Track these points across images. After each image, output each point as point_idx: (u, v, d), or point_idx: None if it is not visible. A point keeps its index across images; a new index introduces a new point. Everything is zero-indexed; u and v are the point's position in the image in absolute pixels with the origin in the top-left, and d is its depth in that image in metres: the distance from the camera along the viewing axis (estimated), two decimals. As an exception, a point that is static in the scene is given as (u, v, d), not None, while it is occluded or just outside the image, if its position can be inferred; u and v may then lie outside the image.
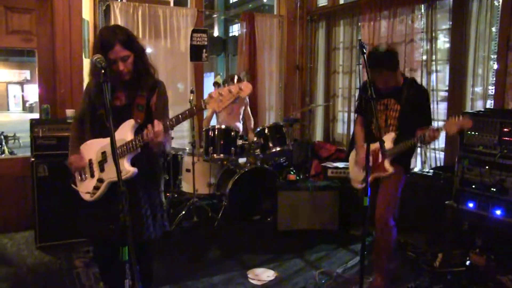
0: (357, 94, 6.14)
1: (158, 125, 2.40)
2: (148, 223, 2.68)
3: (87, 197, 2.67)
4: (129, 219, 1.97)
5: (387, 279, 3.58)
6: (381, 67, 3.34)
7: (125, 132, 2.53)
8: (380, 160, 3.45)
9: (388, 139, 3.42)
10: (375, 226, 3.54)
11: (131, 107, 2.60)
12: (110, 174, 2.57)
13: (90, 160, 2.68)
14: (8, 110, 27.06)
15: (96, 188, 2.63)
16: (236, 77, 5.61)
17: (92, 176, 2.66)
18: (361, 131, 3.71)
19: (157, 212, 2.76)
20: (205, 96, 2.36)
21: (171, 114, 2.66)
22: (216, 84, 6.81)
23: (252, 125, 6.08)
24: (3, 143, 11.24)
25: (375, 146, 3.33)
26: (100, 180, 2.62)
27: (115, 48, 2.46)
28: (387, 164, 3.41)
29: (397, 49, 3.72)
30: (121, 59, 2.49)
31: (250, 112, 6.14)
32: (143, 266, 2.41)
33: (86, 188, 2.69)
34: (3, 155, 10.44)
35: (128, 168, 2.50)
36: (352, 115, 6.24)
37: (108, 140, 2.53)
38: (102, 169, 2.62)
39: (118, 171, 2.06)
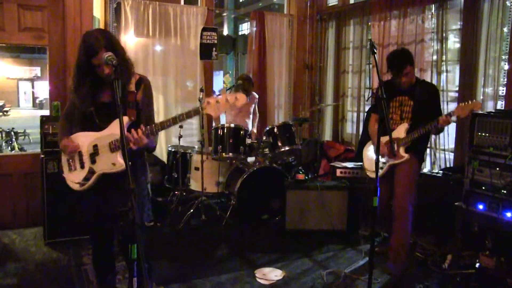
0: (366, 94, 6.14)
1: (135, 133, 2.53)
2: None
3: (75, 186, 2.76)
4: (137, 215, 2.05)
5: (401, 270, 3.65)
6: (406, 62, 3.65)
7: (118, 128, 2.57)
8: (395, 149, 3.69)
9: (402, 130, 3.73)
10: (393, 214, 3.68)
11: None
12: (101, 166, 2.69)
13: (79, 152, 2.75)
14: (19, 106, 27.25)
15: (86, 179, 2.72)
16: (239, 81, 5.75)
17: (82, 167, 2.75)
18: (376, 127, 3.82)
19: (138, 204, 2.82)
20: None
21: (180, 111, 2.69)
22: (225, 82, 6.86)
23: (256, 121, 6.14)
24: (13, 139, 11.35)
25: (387, 138, 3.47)
26: (91, 171, 2.72)
27: (99, 55, 2.51)
28: (402, 151, 3.70)
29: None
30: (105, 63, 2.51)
31: (257, 109, 6.18)
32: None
33: (75, 178, 2.77)
34: (13, 151, 10.55)
35: (121, 161, 2.61)
36: (362, 115, 6.22)
37: (98, 134, 2.69)
38: (93, 161, 2.72)
39: (127, 167, 2.11)
